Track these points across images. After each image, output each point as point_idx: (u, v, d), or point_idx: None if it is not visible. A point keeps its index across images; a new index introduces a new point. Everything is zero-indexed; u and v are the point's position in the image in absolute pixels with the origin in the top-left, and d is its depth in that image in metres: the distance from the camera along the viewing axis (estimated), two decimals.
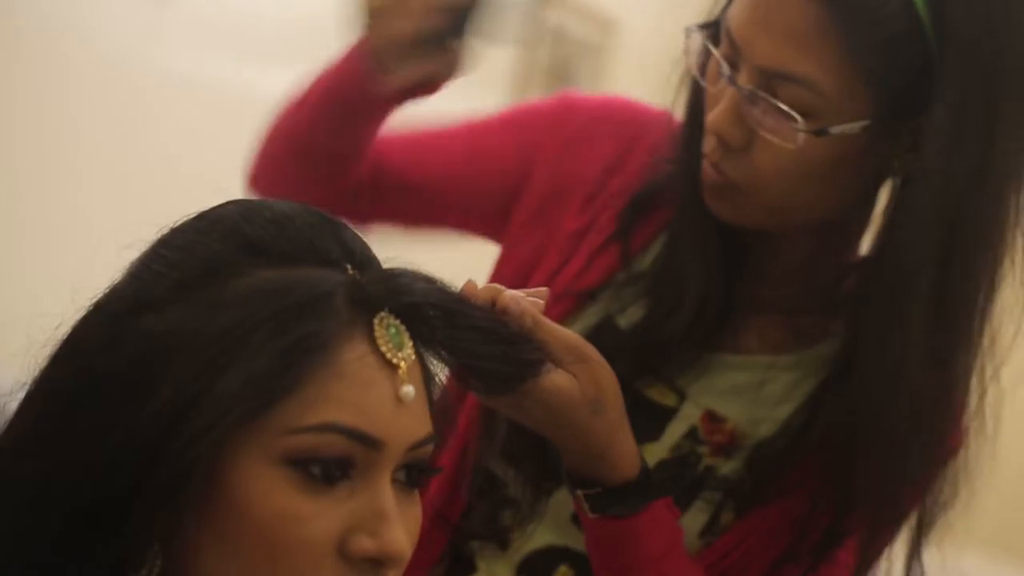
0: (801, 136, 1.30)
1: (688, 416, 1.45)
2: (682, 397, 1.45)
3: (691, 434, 1.45)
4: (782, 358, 1.44)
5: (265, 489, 0.93)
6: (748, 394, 1.44)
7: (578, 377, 1.23)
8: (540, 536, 1.47)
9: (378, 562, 0.95)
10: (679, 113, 1.47)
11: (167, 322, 0.94)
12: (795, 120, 1.30)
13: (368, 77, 1.52)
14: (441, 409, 1.04)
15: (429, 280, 1.02)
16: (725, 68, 1.34)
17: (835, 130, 1.31)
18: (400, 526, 0.96)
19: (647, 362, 1.44)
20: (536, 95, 4.71)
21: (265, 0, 3.92)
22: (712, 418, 1.45)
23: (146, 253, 1.00)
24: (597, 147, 1.54)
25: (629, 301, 1.46)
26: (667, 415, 1.45)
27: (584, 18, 4.73)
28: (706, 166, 1.37)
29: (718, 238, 1.43)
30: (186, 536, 0.94)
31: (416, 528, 1.00)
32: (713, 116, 1.34)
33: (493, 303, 1.17)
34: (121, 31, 3.68)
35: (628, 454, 1.29)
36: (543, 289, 1.23)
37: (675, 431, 1.45)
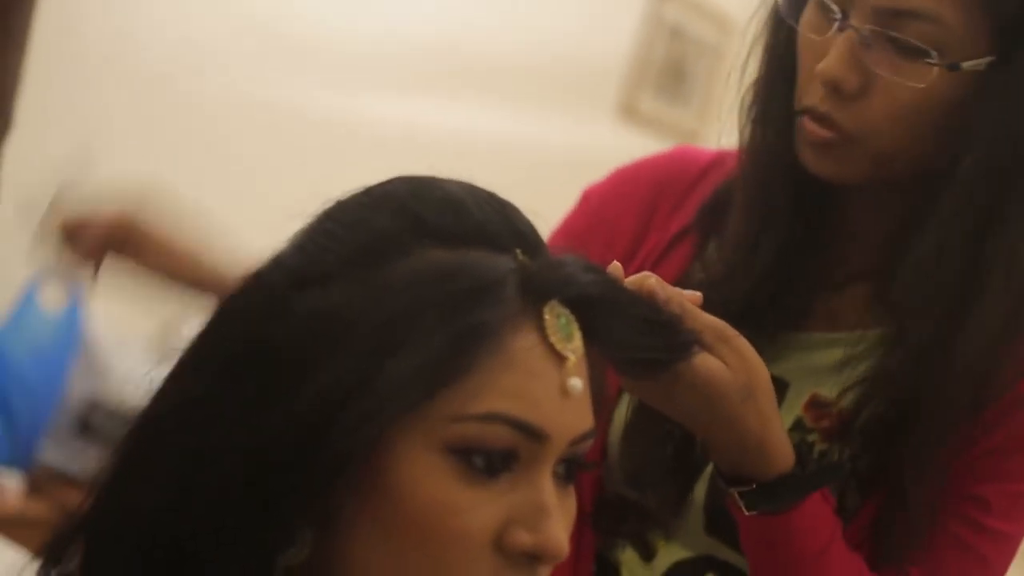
0: (933, 73, 1.27)
1: (792, 406, 1.42)
2: (783, 386, 1.42)
3: (798, 425, 1.42)
4: (871, 332, 1.40)
5: (425, 477, 0.91)
6: (849, 370, 1.40)
7: (728, 363, 1.21)
8: (685, 546, 1.44)
9: (535, 557, 0.93)
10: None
11: (333, 299, 0.92)
12: (928, 56, 1.27)
13: None
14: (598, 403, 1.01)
15: (596, 270, 0.99)
16: (836, 11, 1.30)
17: (966, 65, 1.28)
18: (560, 522, 0.93)
19: None
20: (649, 93, 4.67)
21: (366, 25, 3.94)
22: (816, 403, 1.41)
23: (311, 225, 0.98)
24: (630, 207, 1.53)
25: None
26: None
27: (703, 16, 4.69)
28: (807, 123, 1.33)
29: (795, 211, 1.40)
30: (340, 519, 0.92)
31: (571, 523, 0.97)
32: (826, 64, 1.30)
33: (644, 287, 1.15)
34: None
35: (781, 445, 1.26)
36: (696, 294, 1.21)
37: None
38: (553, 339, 0.94)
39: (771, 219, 1.40)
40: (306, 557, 0.93)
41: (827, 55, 1.31)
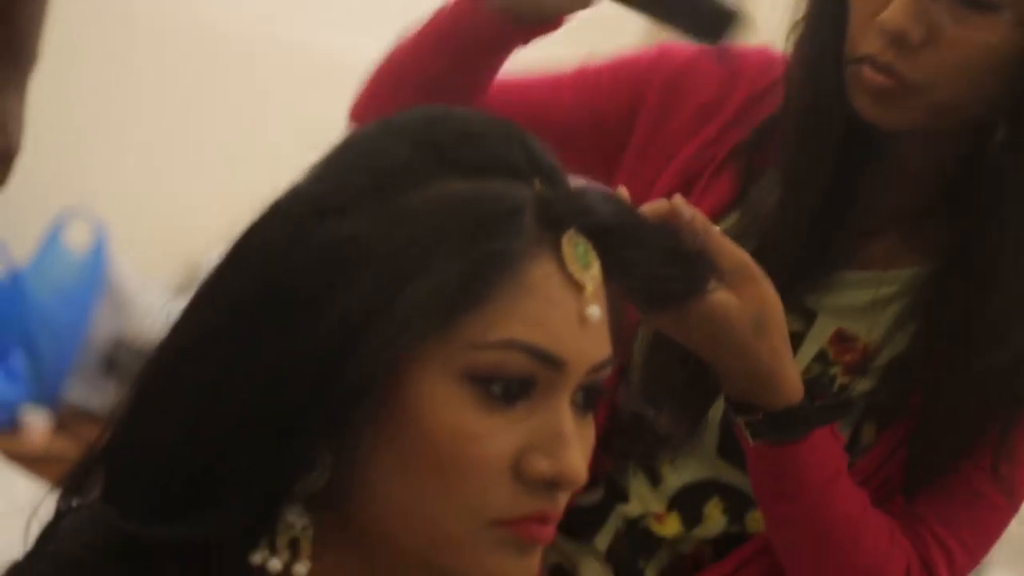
0: (1003, 27, 1.27)
1: (817, 338, 1.43)
2: (811, 318, 1.43)
3: (821, 357, 1.43)
4: (906, 271, 1.42)
5: (444, 403, 0.91)
6: (878, 308, 1.41)
7: (742, 295, 1.22)
8: (691, 471, 1.46)
9: (553, 484, 0.93)
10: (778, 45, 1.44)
11: (351, 228, 0.92)
12: (998, 10, 1.27)
13: (489, 14, 1.46)
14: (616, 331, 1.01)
15: (614, 200, 0.99)
16: None
17: None
18: (578, 448, 0.94)
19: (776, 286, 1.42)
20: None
21: None
22: (842, 338, 1.43)
23: (330, 155, 0.98)
24: (690, 96, 1.51)
25: (747, 228, 1.44)
26: (796, 339, 1.42)
27: None
28: (867, 70, 1.32)
29: (842, 155, 1.39)
30: (359, 446, 0.92)
31: (590, 450, 0.98)
32: (891, 15, 1.29)
33: (665, 213, 1.16)
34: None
35: (790, 379, 1.28)
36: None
37: (806, 355, 1.43)
38: (571, 267, 0.94)
39: (817, 164, 1.40)
40: (324, 484, 0.94)
41: (889, 5, 1.29)
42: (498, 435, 0.92)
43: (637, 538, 1.48)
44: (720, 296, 1.20)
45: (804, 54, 1.41)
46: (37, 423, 3.44)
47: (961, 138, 1.40)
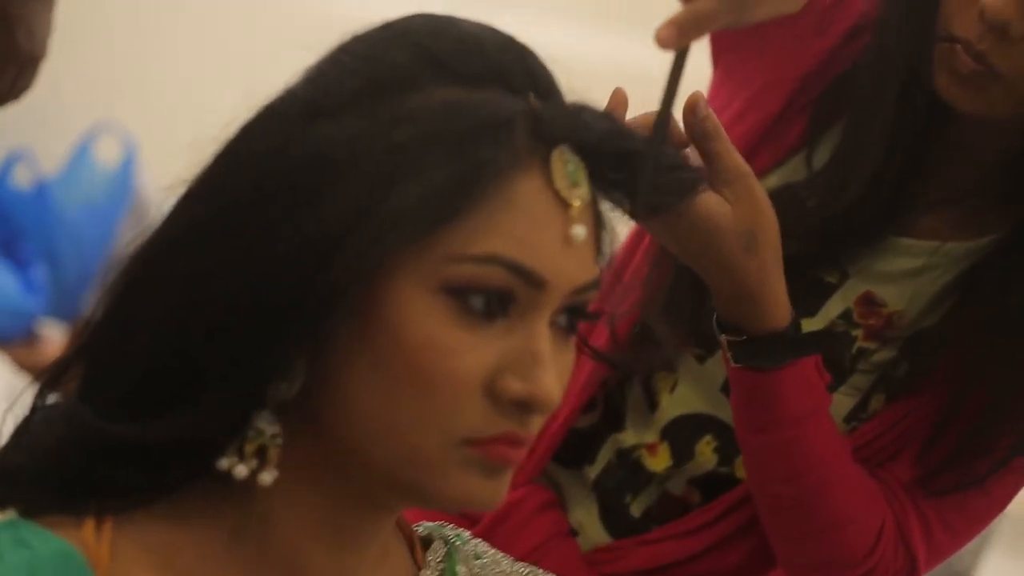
0: None
1: (847, 296, 1.41)
2: (844, 275, 1.41)
3: (846, 315, 1.42)
4: (949, 245, 1.40)
5: (420, 315, 0.90)
6: (910, 279, 1.40)
7: (735, 207, 1.20)
8: (689, 402, 1.45)
9: (525, 405, 0.91)
10: None
11: (342, 130, 0.91)
12: None
13: None
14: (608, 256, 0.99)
15: (610, 119, 0.97)
16: None
17: None
18: (553, 371, 0.92)
19: (824, 243, 1.40)
20: None
21: None
22: (869, 301, 1.41)
23: (325, 58, 0.96)
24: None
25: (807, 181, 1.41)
26: (827, 292, 1.41)
27: None
28: (961, 53, 1.29)
29: (912, 128, 1.37)
30: (334, 354, 0.91)
31: (568, 375, 0.96)
32: (998, 2, 1.26)
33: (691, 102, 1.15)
34: None
35: (778, 303, 1.26)
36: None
37: (832, 310, 1.42)
38: (559, 184, 0.92)
39: (887, 129, 1.37)
40: (297, 392, 0.92)
41: None
42: (473, 351, 0.90)
43: (627, 472, 1.47)
44: (712, 202, 1.19)
45: (896, 15, 1.38)
46: (54, 336, 3.45)
47: None
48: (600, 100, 1.01)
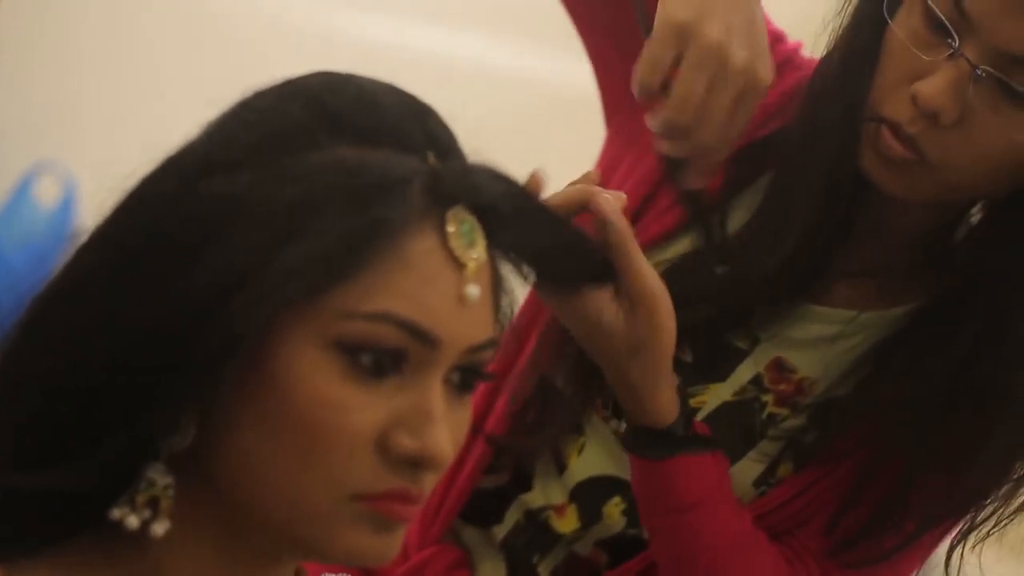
0: None
1: (757, 361, 1.41)
2: (755, 341, 1.41)
3: (756, 380, 1.42)
4: (864, 315, 1.40)
5: (311, 371, 0.90)
6: (822, 346, 1.40)
7: (635, 317, 1.20)
8: (597, 464, 1.45)
9: (417, 463, 0.91)
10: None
11: (236, 185, 0.91)
12: None
13: None
14: (507, 319, 1.00)
15: (509, 180, 0.97)
16: (953, 38, 1.24)
17: None
18: (444, 429, 0.92)
19: (735, 310, 1.40)
20: None
21: None
22: (780, 366, 1.41)
23: (226, 113, 0.96)
24: None
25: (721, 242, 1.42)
26: (737, 357, 1.41)
27: None
28: (887, 135, 1.29)
29: (835, 196, 1.37)
30: (224, 409, 0.91)
31: (462, 433, 0.96)
32: (930, 89, 1.25)
33: (580, 205, 1.15)
34: None
35: (661, 403, 1.26)
36: (622, 195, 1.20)
37: (742, 375, 1.42)
38: (453, 244, 0.92)
39: (811, 200, 1.37)
40: (188, 445, 0.92)
41: (929, 78, 1.25)
42: (364, 407, 0.90)
43: (535, 532, 1.47)
44: (607, 307, 1.19)
45: (825, 90, 1.37)
46: None
47: (952, 208, 1.39)
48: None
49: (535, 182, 1.12)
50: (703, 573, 1.33)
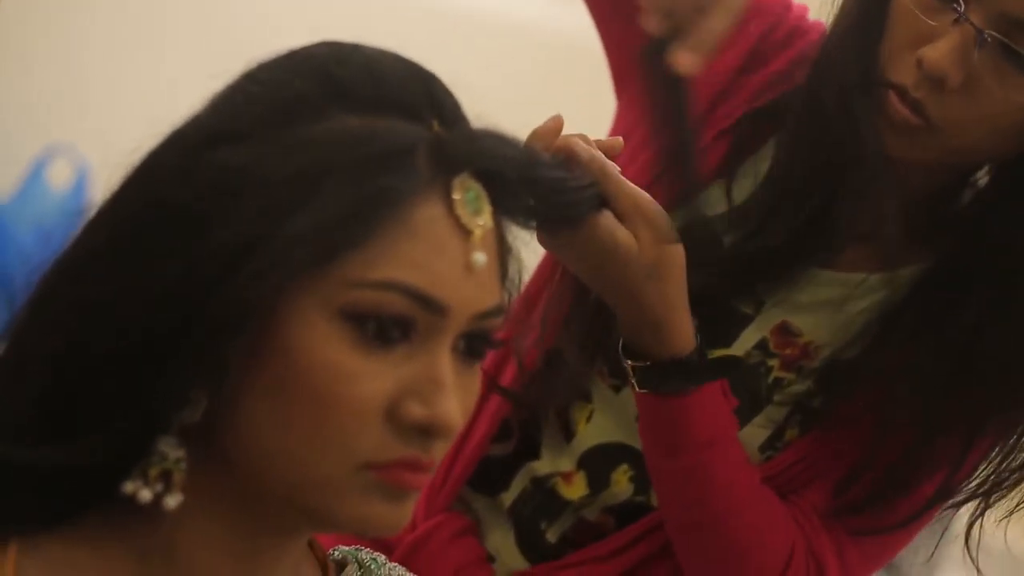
0: None
1: (762, 326, 1.42)
2: (760, 305, 1.41)
3: (761, 344, 1.42)
4: (872, 277, 1.41)
5: (319, 341, 0.90)
6: (828, 310, 1.41)
7: (639, 238, 1.20)
8: (605, 431, 1.45)
9: (426, 431, 0.92)
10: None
11: (242, 157, 0.91)
12: None
13: None
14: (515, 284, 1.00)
15: (515, 145, 0.98)
16: (957, 2, 1.25)
17: None
18: (454, 396, 0.92)
19: (742, 275, 1.40)
20: None
21: None
22: (785, 330, 1.42)
23: (231, 85, 0.97)
24: (737, 41, 1.46)
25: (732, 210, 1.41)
26: (743, 322, 1.42)
27: None
28: (894, 102, 1.30)
29: (845, 156, 1.37)
30: (235, 381, 0.91)
31: (472, 401, 0.96)
32: (936, 54, 1.26)
33: (564, 149, 1.15)
34: None
35: (680, 330, 1.26)
36: (617, 139, 1.20)
37: (748, 340, 1.42)
38: (459, 211, 0.92)
39: (817, 164, 1.38)
40: (199, 417, 0.92)
41: (935, 42, 1.27)
42: (373, 376, 0.90)
43: (542, 499, 1.48)
44: (613, 229, 1.19)
45: (833, 54, 1.38)
46: None
47: (957, 172, 1.40)
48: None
49: (555, 126, 1.13)
50: (718, 514, 1.33)
